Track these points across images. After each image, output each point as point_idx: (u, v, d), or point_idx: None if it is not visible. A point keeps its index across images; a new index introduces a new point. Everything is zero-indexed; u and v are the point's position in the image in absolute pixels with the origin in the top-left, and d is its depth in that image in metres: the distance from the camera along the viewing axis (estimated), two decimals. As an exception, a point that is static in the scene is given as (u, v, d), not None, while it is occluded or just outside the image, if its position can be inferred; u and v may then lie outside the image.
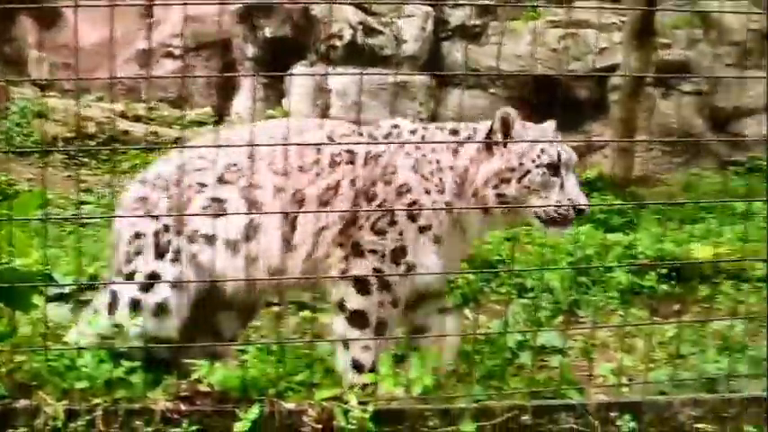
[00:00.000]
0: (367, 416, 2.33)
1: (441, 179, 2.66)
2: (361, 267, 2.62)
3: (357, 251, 2.63)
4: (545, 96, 8.68)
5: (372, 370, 2.61)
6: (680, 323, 3.36)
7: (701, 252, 5.10)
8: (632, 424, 2.50)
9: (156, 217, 2.70)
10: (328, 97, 9.93)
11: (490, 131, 2.69)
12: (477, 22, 10.64)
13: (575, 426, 2.49)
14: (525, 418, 2.46)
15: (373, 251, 2.60)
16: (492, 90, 10.06)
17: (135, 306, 2.62)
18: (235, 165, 2.75)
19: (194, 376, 2.42)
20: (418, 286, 2.67)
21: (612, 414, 2.53)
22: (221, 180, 2.76)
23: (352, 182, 2.65)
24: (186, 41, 10.51)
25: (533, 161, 2.62)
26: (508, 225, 3.23)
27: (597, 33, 9.85)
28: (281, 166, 2.70)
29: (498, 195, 2.66)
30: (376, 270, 2.60)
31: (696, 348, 3.37)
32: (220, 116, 10.30)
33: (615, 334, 3.56)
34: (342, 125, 2.99)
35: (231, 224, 2.67)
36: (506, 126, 2.67)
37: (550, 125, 2.82)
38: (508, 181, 2.63)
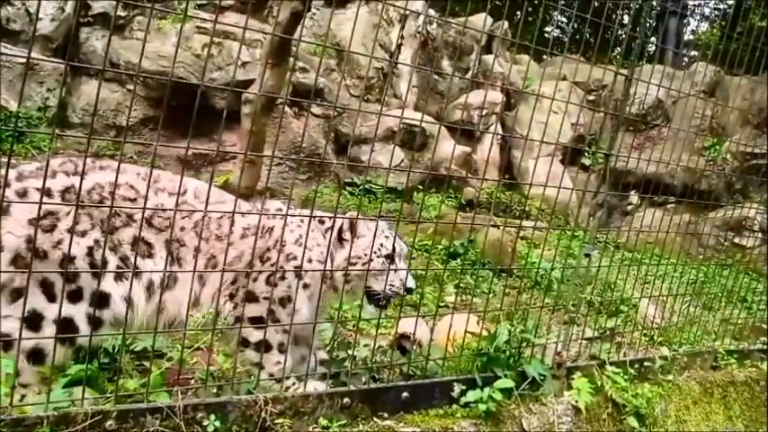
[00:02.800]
0: None
1: (321, 252, 3.77)
2: (255, 310, 3.59)
3: (251, 297, 3.60)
4: (184, 100, 9.98)
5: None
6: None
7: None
8: (217, 423, 2.98)
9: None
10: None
11: (341, 229, 3.87)
12: (122, 13, 11.59)
13: (160, 428, 2.84)
14: (110, 422, 2.75)
15: (266, 298, 3.56)
16: (130, 87, 11.06)
17: None
18: (164, 212, 3.47)
19: None
20: (295, 327, 3.71)
21: (200, 414, 2.97)
22: (150, 223, 3.48)
23: (252, 250, 3.59)
24: None
25: (375, 253, 3.83)
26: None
27: (243, 46, 11.34)
28: (204, 230, 3.55)
29: (345, 275, 3.82)
30: (269, 311, 3.59)
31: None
32: None
33: (221, 338, 4.17)
34: (245, 203, 3.89)
35: (156, 269, 3.42)
36: (352, 226, 3.87)
37: (386, 224, 4.05)
38: (354, 265, 3.80)
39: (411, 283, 3.93)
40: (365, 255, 3.82)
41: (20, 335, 2.88)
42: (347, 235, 3.87)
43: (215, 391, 3.33)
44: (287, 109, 11.75)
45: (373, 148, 12.37)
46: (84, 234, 3.26)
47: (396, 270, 3.88)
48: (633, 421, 4.34)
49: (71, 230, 3.09)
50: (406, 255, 4.06)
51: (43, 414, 2.65)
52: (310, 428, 3.27)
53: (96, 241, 3.27)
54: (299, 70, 11.96)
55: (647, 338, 5.48)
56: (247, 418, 3.10)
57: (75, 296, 3.17)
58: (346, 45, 11.97)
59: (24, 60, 10.64)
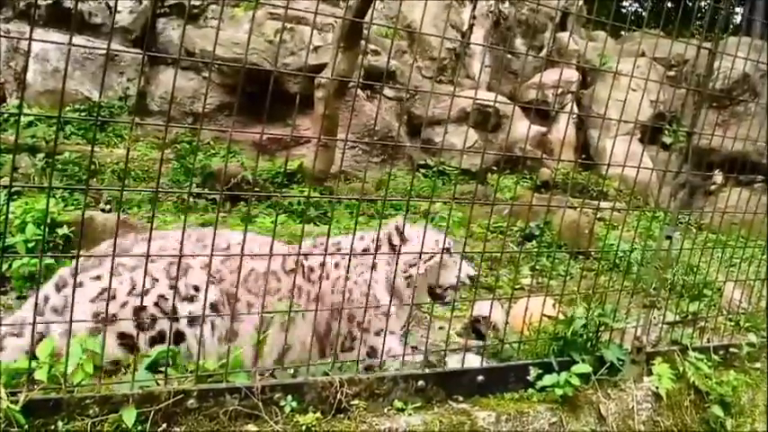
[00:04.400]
0: (17, 407, 2.51)
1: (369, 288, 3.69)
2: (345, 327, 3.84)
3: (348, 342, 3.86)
4: (258, 86, 10.15)
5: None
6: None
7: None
8: (294, 404, 3.05)
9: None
10: (25, 60, 10.42)
11: (389, 237, 4.08)
12: (197, 2, 11.84)
13: (239, 407, 2.93)
14: (191, 401, 2.85)
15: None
16: (205, 74, 11.30)
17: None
18: (219, 271, 3.65)
19: None
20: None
21: (277, 395, 3.04)
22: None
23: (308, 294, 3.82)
24: None
25: (432, 249, 4.04)
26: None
27: (315, 31, 11.42)
28: (255, 287, 3.71)
29: (407, 278, 4.05)
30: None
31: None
32: None
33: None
34: (293, 248, 4.05)
35: (215, 327, 3.55)
36: (399, 231, 4.06)
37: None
38: (415, 265, 4.02)
39: (471, 271, 4.15)
40: (424, 253, 3.95)
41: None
42: (396, 240, 4.04)
43: (291, 372, 3.37)
44: (359, 92, 11.76)
45: (446, 130, 12.29)
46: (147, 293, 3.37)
47: (455, 263, 4.06)
48: (718, 410, 4.21)
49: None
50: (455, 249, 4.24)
51: (129, 392, 2.74)
52: (385, 410, 3.29)
53: (161, 295, 3.40)
54: (370, 53, 11.95)
55: (733, 324, 5.29)
56: (323, 399, 3.15)
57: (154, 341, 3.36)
58: (417, 26, 11.89)
59: (105, 52, 11.05)
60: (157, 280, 3.45)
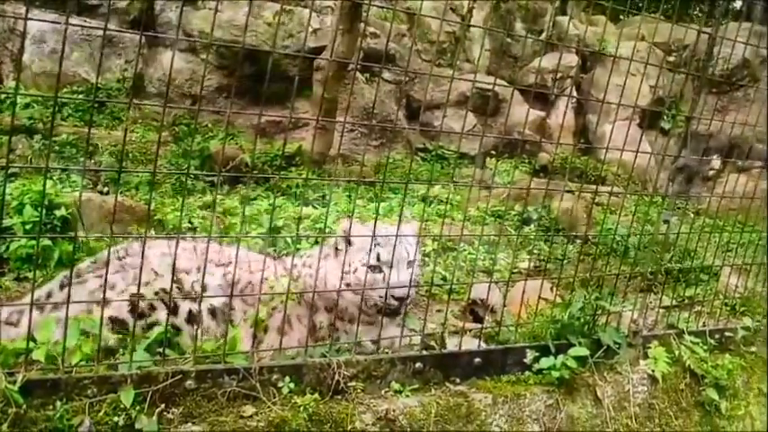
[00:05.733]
0: (14, 387, 2.51)
1: (325, 282, 3.72)
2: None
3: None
4: (256, 69, 10.13)
5: None
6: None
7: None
8: (292, 385, 3.05)
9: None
10: (21, 41, 10.36)
11: (336, 243, 3.84)
12: (195, -17, 11.73)
13: (237, 388, 2.94)
14: (189, 382, 2.86)
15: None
16: (204, 56, 11.21)
17: None
18: (221, 286, 3.67)
19: None
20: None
21: (275, 376, 3.05)
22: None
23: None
24: None
25: (359, 261, 3.70)
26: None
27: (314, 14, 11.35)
28: (252, 299, 3.66)
29: (347, 285, 3.69)
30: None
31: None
32: None
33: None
34: (282, 262, 4.03)
35: (209, 330, 3.55)
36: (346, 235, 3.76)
37: (387, 228, 3.85)
38: (348, 274, 3.71)
39: (399, 292, 3.62)
40: (351, 264, 3.72)
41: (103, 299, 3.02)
42: (341, 245, 3.81)
43: (290, 353, 3.37)
44: (358, 75, 11.74)
45: (445, 114, 12.28)
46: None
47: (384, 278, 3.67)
48: (712, 393, 4.23)
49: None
50: (404, 259, 3.73)
51: (127, 373, 2.74)
52: (383, 392, 3.30)
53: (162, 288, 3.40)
54: (369, 36, 11.90)
55: (729, 308, 5.31)
56: (321, 380, 3.15)
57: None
58: (417, 9, 11.85)
59: (102, 33, 10.98)
60: (162, 276, 3.45)
